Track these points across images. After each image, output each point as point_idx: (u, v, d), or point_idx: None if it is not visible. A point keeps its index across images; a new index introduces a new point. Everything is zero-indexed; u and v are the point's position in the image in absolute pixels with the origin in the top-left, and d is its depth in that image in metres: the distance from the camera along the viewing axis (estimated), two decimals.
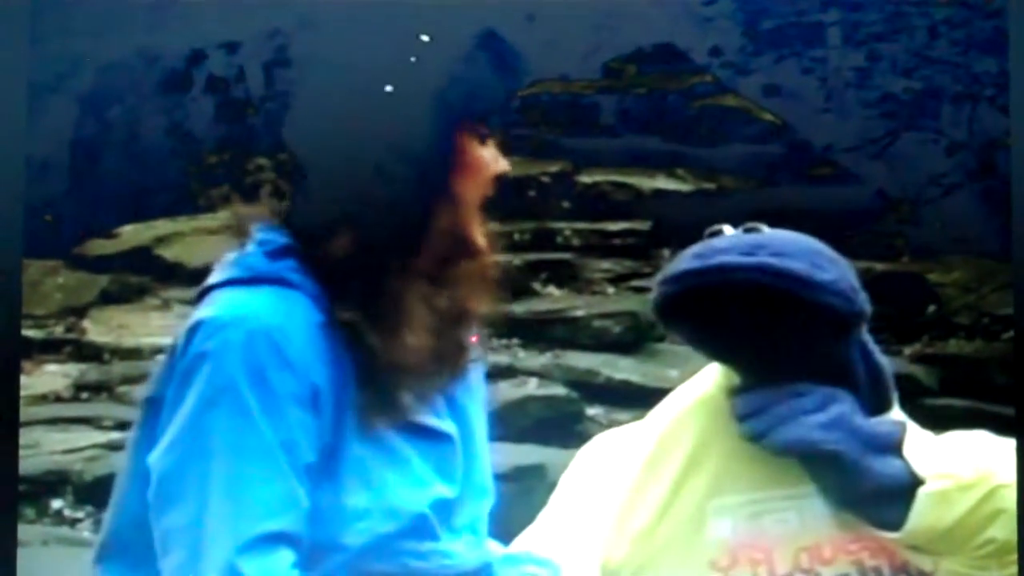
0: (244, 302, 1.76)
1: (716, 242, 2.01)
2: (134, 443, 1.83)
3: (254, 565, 1.71)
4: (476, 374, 1.94)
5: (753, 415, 2.02)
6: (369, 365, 1.78)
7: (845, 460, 1.99)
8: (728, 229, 2.03)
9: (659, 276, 2.02)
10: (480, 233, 1.84)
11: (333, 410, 1.76)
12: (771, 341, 1.99)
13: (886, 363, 2.09)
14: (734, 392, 2.05)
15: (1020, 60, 1.81)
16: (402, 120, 1.81)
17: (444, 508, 1.83)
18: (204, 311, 1.76)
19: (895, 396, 2.08)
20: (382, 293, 1.79)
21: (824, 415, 2.01)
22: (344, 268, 1.80)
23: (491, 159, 1.84)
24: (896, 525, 1.99)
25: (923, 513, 1.98)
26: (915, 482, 1.98)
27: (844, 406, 2.03)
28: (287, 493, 1.74)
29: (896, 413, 2.08)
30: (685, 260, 1.99)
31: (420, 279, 1.81)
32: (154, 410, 1.79)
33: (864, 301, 2.02)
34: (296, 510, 1.74)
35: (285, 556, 1.73)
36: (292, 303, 1.77)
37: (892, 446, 2.01)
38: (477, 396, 1.94)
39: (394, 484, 1.80)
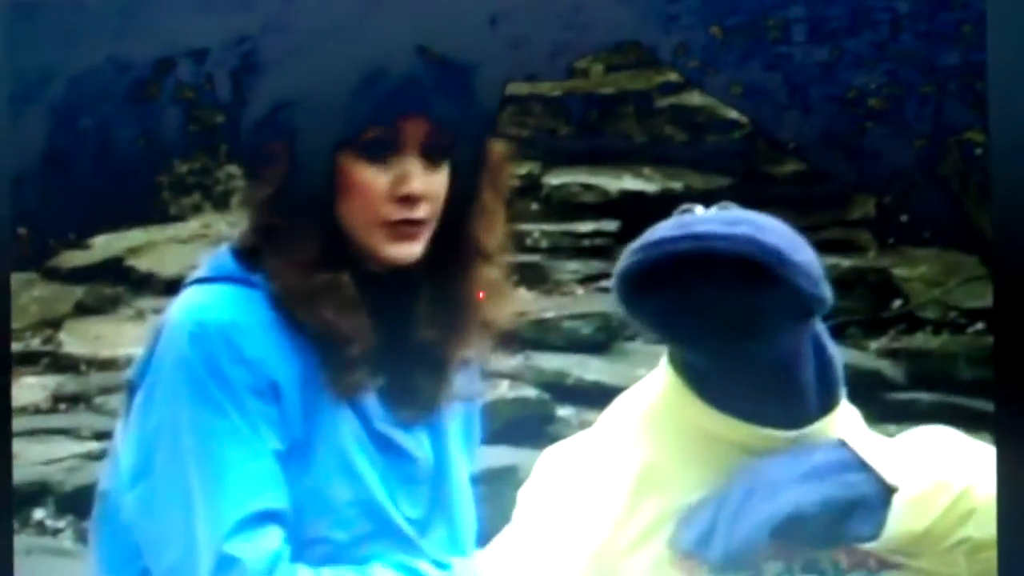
0: (203, 300, 1.82)
1: (693, 215, 1.98)
2: (121, 428, 1.86)
3: (245, 547, 1.75)
4: (471, 421, 1.98)
5: (699, 545, 2.01)
6: (316, 344, 1.81)
7: (806, 510, 1.99)
8: (699, 209, 2.00)
9: (631, 246, 1.96)
10: (388, 250, 1.81)
11: (300, 405, 1.80)
12: (735, 317, 1.97)
13: (838, 355, 2.08)
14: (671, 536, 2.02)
15: (997, 48, 1.80)
16: (301, 130, 1.82)
17: (411, 523, 1.87)
18: (170, 309, 1.83)
19: (843, 391, 2.08)
20: (304, 277, 1.81)
21: (759, 496, 2.01)
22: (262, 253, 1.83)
23: (385, 180, 1.82)
24: (874, 536, 2.00)
25: (900, 519, 1.99)
26: (888, 490, 2.00)
27: (770, 471, 2.03)
28: (265, 472, 1.77)
29: (844, 408, 2.09)
30: (662, 230, 1.95)
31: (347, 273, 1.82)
32: (132, 394, 1.84)
33: (827, 289, 2.02)
34: (277, 487, 1.78)
35: (274, 532, 1.77)
36: (250, 301, 1.81)
37: (844, 467, 2.02)
38: (465, 442, 1.97)
39: (371, 481, 1.83)
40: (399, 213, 1.81)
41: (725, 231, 1.93)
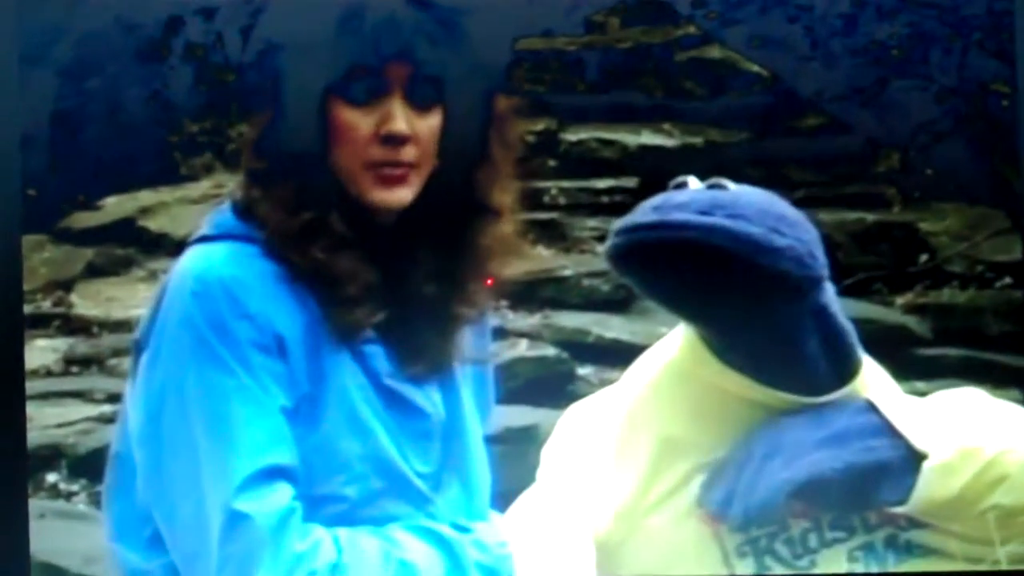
0: (204, 258, 1.85)
1: (676, 196, 2.00)
2: (129, 390, 1.85)
3: (255, 503, 1.75)
4: (484, 384, 1.97)
5: (722, 505, 2.00)
6: (314, 289, 1.82)
7: (826, 475, 1.97)
8: (694, 182, 2.01)
9: (615, 225, 2.01)
10: (375, 194, 1.84)
11: (306, 359, 1.79)
12: (725, 299, 1.98)
13: (849, 327, 2.07)
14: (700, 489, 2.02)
15: None
16: (292, 81, 1.86)
17: (422, 478, 1.84)
18: (173, 269, 1.83)
19: (858, 361, 2.05)
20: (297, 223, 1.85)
21: (779, 459, 1.99)
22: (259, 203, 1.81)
23: (369, 121, 1.84)
24: (902, 501, 1.97)
25: (929, 485, 1.96)
26: (917, 456, 1.97)
27: (793, 433, 2.01)
28: (273, 428, 1.80)
29: (869, 371, 2.06)
30: (642, 212, 1.99)
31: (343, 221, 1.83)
32: (139, 356, 1.84)
33: (821, 267, 2.00)
34: (285, 444, 1.79)
35: (284, 489, 1.78)
36: (252, 256, 1.87)
37: (870, 431, 1.98)
38: (478, 404, 1.96)
39: (379, 435, 1.80)
40: (383, 154, 1.82)
41: (698, 221, 1.93)
